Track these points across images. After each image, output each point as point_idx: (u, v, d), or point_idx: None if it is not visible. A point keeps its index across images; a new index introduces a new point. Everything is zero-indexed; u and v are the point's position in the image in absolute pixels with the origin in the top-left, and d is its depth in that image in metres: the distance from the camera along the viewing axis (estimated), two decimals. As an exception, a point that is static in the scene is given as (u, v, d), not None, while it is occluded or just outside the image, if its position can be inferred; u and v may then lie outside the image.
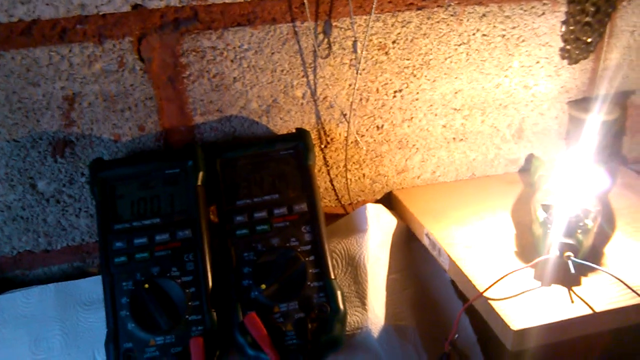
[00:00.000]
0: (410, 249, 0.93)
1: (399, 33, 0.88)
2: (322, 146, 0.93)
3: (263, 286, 0.74)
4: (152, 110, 0.84)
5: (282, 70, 0.86)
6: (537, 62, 0.97)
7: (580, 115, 0.99)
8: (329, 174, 0.95)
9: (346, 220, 0.91)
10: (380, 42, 0.88)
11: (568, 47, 0.96)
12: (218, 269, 0.77)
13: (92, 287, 0.85)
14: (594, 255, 0.79)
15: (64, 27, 0.76)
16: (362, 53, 0.87)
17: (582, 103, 1.01)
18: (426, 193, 0.99)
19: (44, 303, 0.83)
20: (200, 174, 0.80)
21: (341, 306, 0.75)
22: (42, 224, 0.87)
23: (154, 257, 0.76)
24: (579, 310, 0.71)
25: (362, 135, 0.94)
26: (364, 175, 0.97)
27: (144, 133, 0.85)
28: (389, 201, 1.00)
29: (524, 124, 1.01)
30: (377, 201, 1.00)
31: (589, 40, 0.95)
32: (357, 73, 0.88)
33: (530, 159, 1.04)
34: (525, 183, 1.00)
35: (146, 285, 0.74)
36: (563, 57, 0.97)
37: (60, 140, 0.82)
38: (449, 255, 0.81)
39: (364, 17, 0.85)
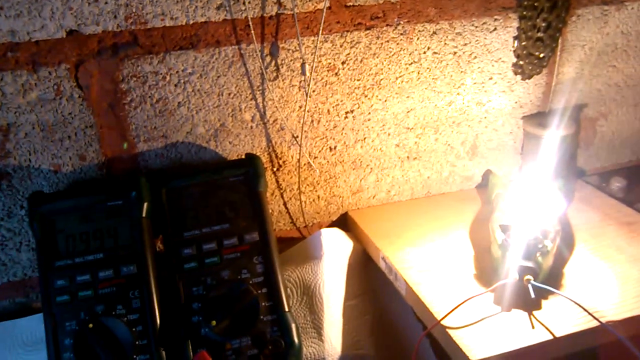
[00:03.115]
0: (368, 272, 0.91)
1: (348, 53, 0.86)
2: (274, 169, 0.90)
3: (213, 322, 0.71)
4: (93, 138, 0.80)
5: (229, 94, 0.83)
6: (490, 79, 0.96)
7: (535, 130, 0.98)
8: (282, 197, 0.93)
9: (300, 247, 0.89)
10: (330, 63, 0.86)
11: (521, 62, 0.95)
12: (166, 305, 0.73)
13: (35, 325, 0.81)
14: (554, 276, 0.78)
15: (-7, 54, 0.72)
16: (311, 74, 0.85)
17: (536, 118, 1.01)
18: (382, 213, 0.97)
19: (-18, 345, 0.79)
20: (145, 205, 0.76)
21: (296, 340, 0.72)
22: (-21, 260, 0.82)
23: (98, 295, 0.73)
24: (539, 336, 0.69)
25: (315, 157, 0.92)
26: (318, 197, 0.95)
27: (86, 163, 0.81)
28: (345, 222, 0.98)
29: (478, 140, 1.00)
30: (332, 222, 0.98)
31: (542, 55, 0.95)
32: (306, 95, 0.86)
33: (487, 175, 1.03)
34: (482, 199, 0.99)
35: (90, 325, 0.70)
36: (516, 73, 0.97)
37: (-4, 172, 0.78)
38: (405, 281, 0.79)
39: (312, 38, 0.83)
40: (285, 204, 0.93)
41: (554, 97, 1.02)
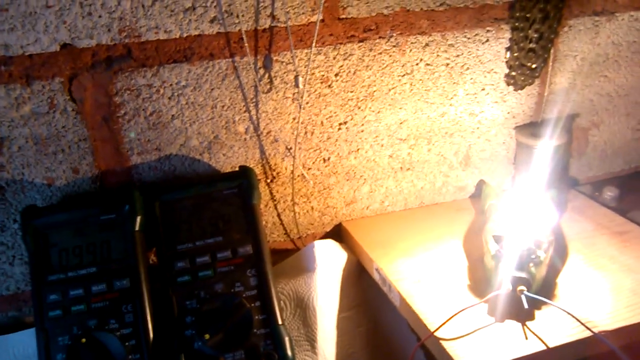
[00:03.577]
0: (362, 283, 0.91)
1: (342, 66, 0.86)
2: (268, 181, 0.90)
3: (207, 336, 0.71)
4: (87, 152, 0.80)
5: (223, 106, 0.83)
6: (483, 89, 0.96)
7: (527, 140, 0.99)
8: (276, 208, 0.93)
9: (294, 259, 0.89)
10: (323, 75, 0.86)
11: (513, 73, 0.96)
12: (159, 319, 0.73)
13: (27, 340, 0.80)
14: (547, 287, 0.78)
15: (-14, 68, 0.72)
16: (304, 87, 0.85)
17: (529, 128, 1.01)
18: (376, 224, 0.97)
19: (-26, 360, 0.79)
20: (138, 219, 0.76)
21: (289, 353, 0.72)
22: (-28, 274, 0.82)
23: (91, 309, 0.72)
24: (532, 346, 0.69)
25: (309, 169, 0.92)
26: (312, 208, 0.95)
27: (79, 176, 0.81)
28: (339, 233, 0.98)
29: (471, 151, 1.00)
30: (326, 233, 0.98)
31: (534, 66, 0.95)
32: (300, 107, 0.86)
33: (480, 185, 1.03)
34: (476, 209, 1.00)
35: (83, 340, 0.70)
36: (508, 84, 0.97)
37: (-12, 186, 0.78)
38: (399, 292, 0.80)
39: (305, 50, 0.83)
40: (279, 215, 0.94)
41: (547, 107, 1.02)
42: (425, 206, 1.02)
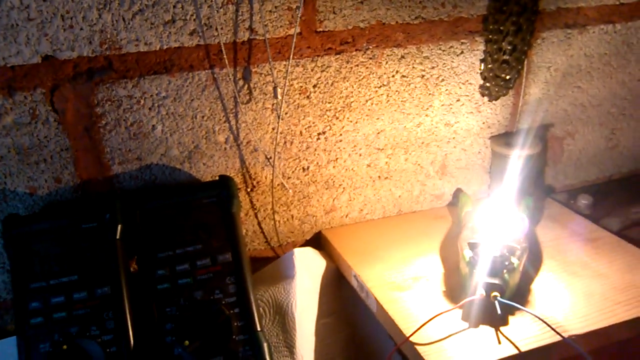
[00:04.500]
0: (341, 290, 0.93)
1: (319, 77, 0.88)
2: (248, 190, 0.92)
3: (186, 342, 0.71)
4: (68, 161, 0.81)
5: (203, 117, 0.85)
6: (458, 100, 0.98)
7: (502, 150, 1.01)
8: (256, 217, 0.94)
9: (273, 267, 0.90)
10: (301, 87, 0.88)
11: (487, 84, 0.98)
12: (140, 326, 0.74)
13: (8, 349, 0.80)
14: (521, 293, 0.80)
15: (-31, 79, 0.73)
16: (282, 98, 0.87)
17: (504, 138, 1.04)
18: (355, 232, 0.99)
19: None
20: (119, 227, 0.77)
21: (268, 359, 0.73)
22: (-47, 283, 0.83)
23: (72, 316, 0.73)
24: (505, 351, 0.71)
25: (289, 178, 0.93)
26: (292, 216, 0.97)
27: (61, 185, 0.82)
28: (319, 241, 1.00)
29: (447, 160, 1.03)
30: (307, 241, 1.00)
31: (508, 77, 0.98)
32: (279, 118, 0.88)
33: (457, 193, 1.05)
34: (452, 218, 1.02)
35: (64, 347, 0.71)
36: (483, 94, 0.99)
37: (-29, 196, 0.79)
38: (375, 298, 0.81)
39: (284, 62, 0.85)
40: (259, 223, 0.95)
41: (521, 118, 1.05)
42: (403, 214, 1.04)
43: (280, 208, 0.95)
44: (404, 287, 0.84)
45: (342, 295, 0.92)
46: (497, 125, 1.04)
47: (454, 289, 0.82)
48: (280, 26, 0.83)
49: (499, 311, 0.74)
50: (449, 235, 0.96)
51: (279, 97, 0.86)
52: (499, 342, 0.73)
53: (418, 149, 0.99)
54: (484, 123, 1.02)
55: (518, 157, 1.00)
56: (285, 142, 0.91)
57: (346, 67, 0.89)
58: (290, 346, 0.80)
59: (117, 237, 0.77)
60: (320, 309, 0.88)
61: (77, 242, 0.77)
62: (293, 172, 0.93)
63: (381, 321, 0.81)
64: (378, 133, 0.95)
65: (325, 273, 0.92)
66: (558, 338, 0.72)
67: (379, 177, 0.99)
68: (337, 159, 0.95)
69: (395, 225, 1.01)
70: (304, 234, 0.99)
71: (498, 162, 1.04)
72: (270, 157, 0.91)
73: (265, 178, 0.92)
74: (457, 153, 1.03)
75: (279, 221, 0.96)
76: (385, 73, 0.92)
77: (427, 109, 0.97)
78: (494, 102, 1.01)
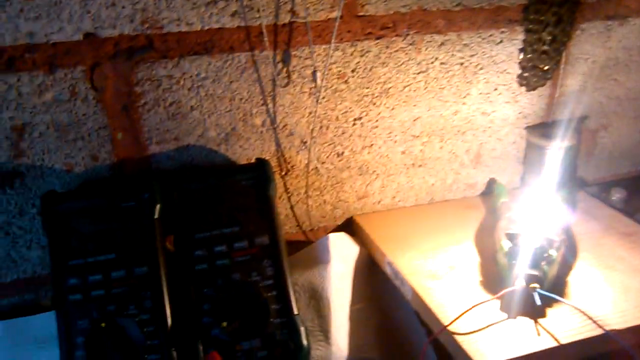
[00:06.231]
0: (373, 276, 0.92)
1: (358, 62, 0.88)
2: (283, 174, 0.92)
3: (224, 324, 0.72)
4: (106, 139, 0.81)
5: (241, 99, 0.84)
6: (495, 89, 0.97)
7: (538, 140, 1.00)
8: (289, 200, 0.94)
9: (308, 251, 0.90)
10: (340, 71, 0.87)
11: (526, 74, 0.97)
12: (177, 306, 0.74)
13: (46, 323, 0.81)
14: (558, 285, 0.79)
15: (11, 55, 0.73)
16: (321, 82, 0.86)
17: (539, 129, 1.03)
18: (387, 218, 0.98)
19: (-7, 342, 0.79)
20: (157, 207, 0.77)
21: (305, 343, 0.73)
22: (-10, 257, 0.83)
23: (111, 294, 0.73)
24: (544, 343, 0.70)
25: (323, 162, 0.93)
26: (325, 201, 0.96)
27: (98, 163, 0.82)
28: (350, 227, 0.99)
29: (482, 149, 1.02)
30: (338, 226, 0.99)
31: (546, 67, 0.97)
32: (317, 102, 0.87)
33: (491, 183, 1.04)
34: (486, 207, 1.01)
35: (103, 324, 0.71)
36: (521, 84, 0.98)
37: (9, 171, 0.79)
38: (411, 286, 0.81)
39: (323, 46, 0.84)
40: (292, 207, 0.95)
41: (557, 109, 1.04)
42: (435, 202, 1.04)
43: (314, 193, 0.95)
44: (438, 275, 0.83)
45: (373, 282, 0.92)
46: (533, 116, 1.03)
47: (491, 279, 0.82)
48: (322, 9, 0.83)
49: (538, 302, 0.73)
50: (483, 225, 0.95)
51: (318, 81, 0.85)
52: (538, 334, 0.72)
53: (454, 137, 0.99)
54: (520, 113, 1.01)
55: (553, 148, 0.99)
56: (321, 127, 0.90)
57: (385, 52, 0.88)
58: (325, 331, 0.80)
59: (156, 216, 0.77)
60: (353, 295, 0.87)
61: (115, 221, 0.77)
62: (327, 157, 0.93)
63: (417, 309, 0.81)
64: (414, 120, 0.95)
65: (358, 259, 0.91)
66: (598, 332, 0.72)
67: (413, 164, 0.99)
68: (371, 145, 0.94)
69: (428, 213, 1.00)
70: (336, 219, 0.99)
71: (533, 153, 1.03)
72: (306, 142, 0.90)
73: (300, 162, 0.92)
74: (492, 142, 1.02)
75: (312, 205, 0.96)
76: (424, 59, 0.91)
77: (465, 97, 0.96)
78: (531, 92, 1.00)
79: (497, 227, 0.87)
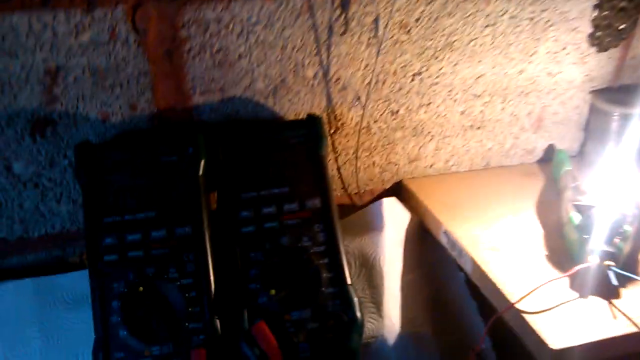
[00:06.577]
0: (424, 245, 0.86)
1: (423, 11, 0.80)
2: (331, 131, 0.85)
3: (272, 291, 0.67)
4: (146, 87, 0.75)
5: (294, 47, 0.78)
6: (564, 49, 0.90)
7: (605, 106, 0.93)
8: (336, 161, 0.88)
9: (359, 216, 0.84)
10: (402, 20, 0.80)
11: (598, 33, 0.89)
12: (222, 271, 0.69)
13: (75, 283, 0.77)
14: (632, 264, 0.73)
15: (47, -10, 0.67)
16: (383, 31, 0.79)
17: (606, 93, 0.95)
18: (439, 184, 0.92)
19: (21, 301, 0.75)
20: (202, 163, 0.71)
21: (358, 315, 0.68)
22: (17, 210, 0.78)
23: (150, 256, 0.68)
24: (621, 327, 0.64)
25: (375, 121, 0.86)
26: (374, 163, 0.90)
27: (136, 113, 0.76)
28: (399, 191, 0.93)
29: (544, 112, 0.95)
30: (386, 191, 0.93)
31: (622, 26, 0.89)
32: (377, 53, 0.80)
33: (550, 150, 0.97)
34: (545, 175, 0.94)
35: (140, 288, 0.66)
36: (592, 44, 0.91)
37: (41, 118, 0.73)
38: (472, 258, 0.75)
39: (387, -9, 0.77)
40: (339, 168, 0.89)
41: (625, 73, 0.96)
42: (490, 168, 0.97)
43: (363, 153, 0.88)
44: (499, 247, 0.77)
45: (424, 252, 0.86)
46: (600, 79, 0.95)
47: (557, 254, 0.75)
48: (387, -50, 0.75)
49: (614, 282, 0.67)
50: (544, 194, 0.89)
51: (380, 30, 0.78)
52: (614, 317, 0.66)
53: (516, 98, 0.91)
54: (586, 75, 0.94)
55: (620, 115, 0.92)
56: (377, 82, 0.83)
57: (453, 1, 0.81)
58: (377, 302, 0.75)
59: (200, 173, 0.71)
60: (404, 265, 0.82)
61: (155, 176, 0.71)
62: (381, 115, 0.86)
63: (477, 284, 0.75)
64: (477, 78, 0.88)
65: (409, 226, 0.85)
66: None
67: (472, 126, 0.92)
68: (429, 103, 0.88)
69: (483, 179, 0.93)
70: (384, 182, 0.93)
71: (597, 120, 0.95)
72: (360, 97, 0.83)
73: (351, 120, 0.85)
74: (555, 106, 0.94)
75: (360, 167, 0.89)
76: (493, 11, 0.83)
77: (532, 55, 0.88)
78: (601, 53, 0.92)
79: (562, 198, 0.81)
